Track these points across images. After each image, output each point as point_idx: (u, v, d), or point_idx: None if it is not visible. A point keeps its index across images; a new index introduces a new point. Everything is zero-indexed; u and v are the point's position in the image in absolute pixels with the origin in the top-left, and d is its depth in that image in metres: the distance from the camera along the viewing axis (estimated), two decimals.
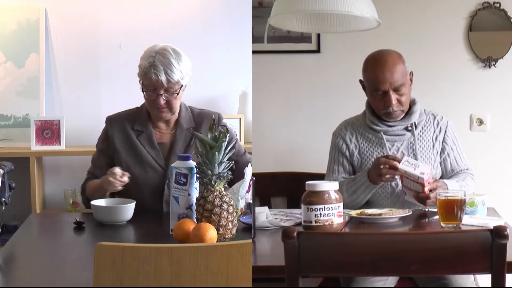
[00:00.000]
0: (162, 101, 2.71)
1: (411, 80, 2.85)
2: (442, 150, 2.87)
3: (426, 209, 2.73)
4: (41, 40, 3.75)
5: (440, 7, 3.64)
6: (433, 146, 2.86)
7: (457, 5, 3.63)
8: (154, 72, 2.67)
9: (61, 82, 3.82)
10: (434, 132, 2.87)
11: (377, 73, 2.79)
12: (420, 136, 2.86)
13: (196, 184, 2.34)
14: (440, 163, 2.87)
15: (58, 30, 3.80)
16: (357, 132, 2.91)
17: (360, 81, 2.88)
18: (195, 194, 2.34)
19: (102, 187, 2.65)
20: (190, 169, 2.32)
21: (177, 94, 2.73)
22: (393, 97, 2.78)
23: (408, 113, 2.87)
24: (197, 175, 2.29)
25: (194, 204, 2.31)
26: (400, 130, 2.86)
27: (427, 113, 2.91)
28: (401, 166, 2.64)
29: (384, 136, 2.85)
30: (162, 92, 2.70)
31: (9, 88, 3.75)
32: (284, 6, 2.76)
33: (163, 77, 2.67)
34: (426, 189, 2.60)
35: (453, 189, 2.66)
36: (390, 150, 2.84)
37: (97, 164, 2.83)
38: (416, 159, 2.82)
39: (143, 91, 2.74)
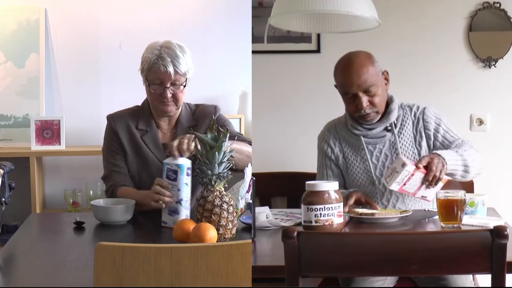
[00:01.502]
0: (169, 94, 2.68)
1: (386, 80, 2.79)
2: (427, 138, 2.78)
3: (426, 209, 2.73)
4: (41, 40, 3.75)
5: (440, 7, 3.64)
6: (415, 139, 2.78)
7: (457, 5, 3.63)
8: (162, 64, 2.64)
9: (61, 82, 3.82)
10: (413, 124, 2.80)
11: (344, 76, 2.73)
12: (400, 133, 2.79)
13: (187, 180, 2.42)
14: (432, 150, 2.77)
15: (58, 30, 3.80)
16: (340, 135, 2.86)
17: (335, 85, 2.82)
18: (185, 189, 2.43)
19: (142, 200, 2.56)
20: (180, 165, 2.42)
21: (184, 87, 2.71)
22: (364, 99, 2.71)
23: (386, 112, 2.79)
24: (197, 175, 2.29)
25: (185, 199, 2.41)
26: (380, 132, 2.80)
27: (404, 107, 2.83)
28: (391, 186, 2.54)
29: (364, 140, 2.80)
30: (168, 85, 2.67)
31: (9, 88, 3.75)
32: (284, 6, 2.76)
33: (171, 68, 2.64)
34: (421, 165, 2.51)
35: (450, 158, 2.57)
36: (372, 153, 2.79)
37: (115, 162, 2.74)
38: (397, 157, 2.74)
39: (148, 85, 2.70)
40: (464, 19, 3.64)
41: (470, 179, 2.69)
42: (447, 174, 2.60)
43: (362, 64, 2.71)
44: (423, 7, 3.65)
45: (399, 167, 2.52)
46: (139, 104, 2.84)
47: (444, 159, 2.56)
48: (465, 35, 3.64)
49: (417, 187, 2.56)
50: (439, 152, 2.60)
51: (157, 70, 2.65)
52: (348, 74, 2.72)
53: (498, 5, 3.60)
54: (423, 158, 2.56)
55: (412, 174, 2.52)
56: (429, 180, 2.54)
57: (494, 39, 3.63)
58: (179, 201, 2.42)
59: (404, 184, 2.54)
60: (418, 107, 2.82)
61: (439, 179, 2.55)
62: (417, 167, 2.52)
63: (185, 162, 2.44)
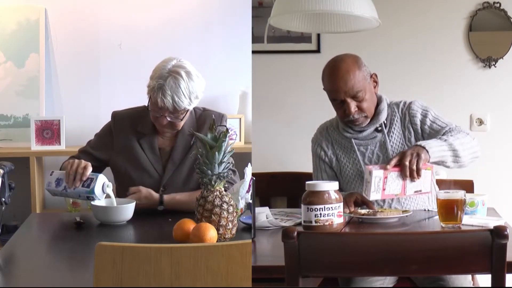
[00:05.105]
0: (165, 122, 2.66)
1: (375, 82, 2.76)
2: (415, 132, 2.74)
3: (426, 209, 2.73)
4: (41, 40, 3.75)
5: (440, 7, 3.64)
6: (404, 135, 2.75)
7: (457, 5, 3.63)
8: (160, 97, 2.59)
9: (61, 82, 3.82)
10: (401, 120, 2.76)
11: (331, 82, 2.70)
12: (390, 132, 2.76)
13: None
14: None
15: (58, 30, 3.80)
16: (332, 138, 2.85)
17: (324, 89, 2.79)
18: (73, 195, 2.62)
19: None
20: (92, 190, 2.57)
21: (182, 118, 2.68)
22: (352, 104, 2.67)
23: (376, 113, 2.76)
24: (198, 175, 2.29)
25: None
26: (371, 133, 2.77)
27: (391, 105, 2.80)
28: (371, 197, 2.48)
29: (355, 142, 2.78)
30: (166, 114, 2.65)
31: (9, 88, 3.75)
32: (284, 6, 2.76)
33: (169, 104, 2.59)
34: (389, 166, 2.46)
35: (433, 145, 2.51)
36: (364, 155, 2.76)
37: (93, 153, 2.79)
38: (388, 157, 2.72)
39: (147, 106, 2.68)
40: (464, 19, 3.64)
41: (467, 164, 2.62)
42: (436, 163, 2.56)
43: (349, 70, 2.67)
44: (423, 7, 3.65)
45: (368, 177, 2.49)
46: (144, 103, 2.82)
47: (424, 147, 2.50)
48: (465, 35, 3.64)
49: (401, 186, 2.51)
50: (419, 142, 2.55)
51: (156, 101, 2.61)
52: (335, 80, 2.69)
53: (498, 5, 3.60)
54: (392, 159, 2.51)
55: (385, 177, 2.48)
56: (407, 176, 2.48)
57: (494, 39, 3.63)
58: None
59: (384, 189, 2.49)
60: (404, 103, 2.79)
61: (418, 170, 2.48)
62: (385, 170, 2.48)
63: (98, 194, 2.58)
